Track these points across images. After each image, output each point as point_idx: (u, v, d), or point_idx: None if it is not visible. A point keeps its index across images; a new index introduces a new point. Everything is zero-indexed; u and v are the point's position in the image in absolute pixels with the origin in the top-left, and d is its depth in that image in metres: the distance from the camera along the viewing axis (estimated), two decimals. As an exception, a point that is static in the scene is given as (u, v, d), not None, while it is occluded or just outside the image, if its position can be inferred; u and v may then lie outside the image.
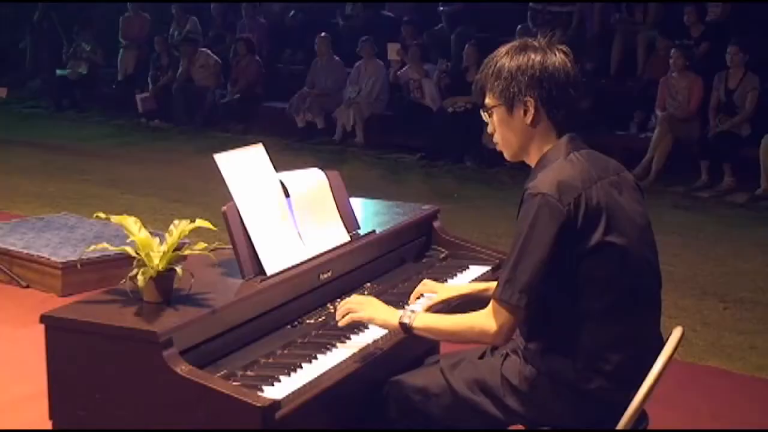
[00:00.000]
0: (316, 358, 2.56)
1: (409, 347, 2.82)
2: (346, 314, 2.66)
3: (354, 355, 2.61)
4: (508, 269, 2.40)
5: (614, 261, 2.41)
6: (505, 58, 2.52)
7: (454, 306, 2.93)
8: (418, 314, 2.61)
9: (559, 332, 2.46)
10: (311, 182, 3.02)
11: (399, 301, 3.00)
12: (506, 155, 2.63)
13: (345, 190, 3.17)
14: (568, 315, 2.44)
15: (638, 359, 2.44)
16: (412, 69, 10.45)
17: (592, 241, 2.39)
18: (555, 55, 2.50)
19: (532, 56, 2.49)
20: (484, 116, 2.61)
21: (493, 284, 2.81)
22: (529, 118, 2.50)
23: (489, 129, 2.62)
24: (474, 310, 2.58)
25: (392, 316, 2.62)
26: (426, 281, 3.03)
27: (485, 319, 2.45)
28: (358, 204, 3.45)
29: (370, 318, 2.64)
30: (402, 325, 2.58)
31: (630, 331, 2.45)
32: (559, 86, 2.48)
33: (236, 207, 2.71)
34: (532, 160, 2.57)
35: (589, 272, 2.40)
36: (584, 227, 2.38)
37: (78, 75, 13.44)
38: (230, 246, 2.72)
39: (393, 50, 11.01)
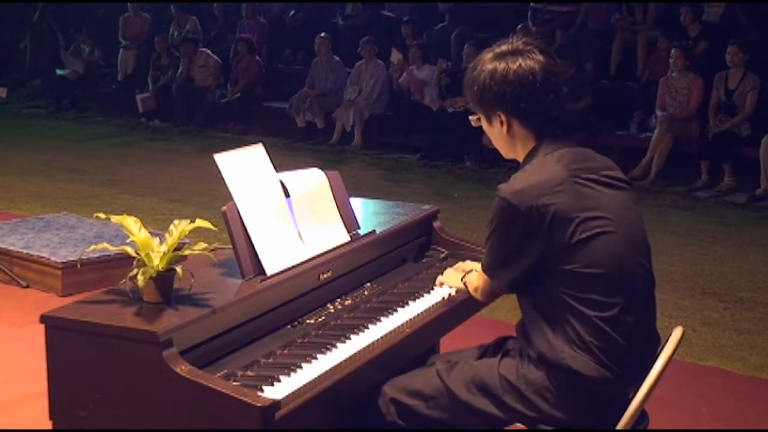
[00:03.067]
0: (316, 358, 2.56)
1: (409, 347, 2.82)
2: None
3: (354, 355, 2.61)
4: (487, 252, 2.59)
5: (601, 254, 2.41)
6: (477, 70, 2.56)
7: None
8: (472, 273, 2.82)
9: (555, 326, 2.47)
10: (311, 182, 3.02)
11: (399, 301, 3.01)
12: (502, 154, 2.70)
13: (345, 190, 3.17)
14: (563, 308, 2.44)
15: (634, 351, 2.45)
16: (410, 76, 10.47)
17: (566, 240, 2.40)
18: (523, 61, 2.48)
19: (498, 67, 2.50)
20: (473, 120, 2.67)
21: None
22: (504, 129, 2.56)
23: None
24: None
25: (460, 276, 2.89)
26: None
27: (474, 279, 2.75)
28: (358, 204, 3.45)
29: (451, 284, 2.95)
30: (464, 284, 2.83)
31: (624, 323, 2.44)
32: (526, 94, 2.48)
33: (236, 207, 2.71)
34: (520, 159, 2.62)
35: (573, 265, 2.41)
36: (553, 226, 2.40)
37: (77, 75, 13.44)
38: (230, 246, 2.72)
39: (396, 57, 10.97)
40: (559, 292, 2.44)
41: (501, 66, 2.50)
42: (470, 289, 2.76)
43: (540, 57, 2.50)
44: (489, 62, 2.53)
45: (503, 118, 2.54)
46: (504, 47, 2.55)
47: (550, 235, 2.41)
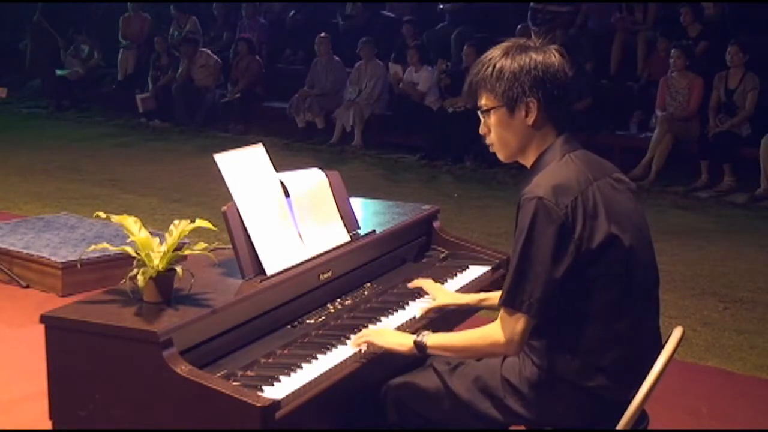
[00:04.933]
0: (316, 358, 2.56)
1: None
2: (362, 342, 2.65)
3: (354, 355, 2.61)
4: (513, 276, 2.39)
5: (617, 258, 2.41)
6: (505, 58, 2.50)
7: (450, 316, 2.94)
8: (430, 334, 2.59)
9: (561, 329, 2.46)
10: (311, 182, 3.02)
11: (399, 301, 3.01)
12: (501, 156, 2.61)
13: (345, 190, 3.17)
14: (571, 312, 2.43)
15: (637, 356, 2.45)
16: (406, 85, 10.47)
17: (595, 241, 2.38)
18: (553, 55, 2.50)
19: (534, 56, 2.48)
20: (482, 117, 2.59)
21: (491, 295, 2.82)
22: (530, 119, 2.49)
23: (482, 129, 2.60)
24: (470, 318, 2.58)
25: (406, 338, 2.61)
26: (429, 281, 3.04)
27: (495, 330, 2.44)
28: (358, 204, 3.45)
29: (386, 344, 2.62)
30: (416, 344, 2.56)
31: (629, 328, 2.44)
32: (560, 86, 2.48)
33: (236, 207, 2.71)
34: (528, 161, 2.56)
35: (594, 271, 2.39)
36: (584, 228, 2.38)
37: (77, 75, 13.44)
38: (230, 246, 2.72)
39: (395, 69, 10.94)
40: (567, 302, 2.42)
41: (539, 56, 2.47)
42: (489, 347, 2.45)
43: (561, 56, 2.51)
44: (521, 52, 2.48)
45: (534, 106, 2.47)
46: (527, 43, 2.52)
47: (582, 237, 2.36)
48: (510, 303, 2.39)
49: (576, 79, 9.24)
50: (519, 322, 2.38)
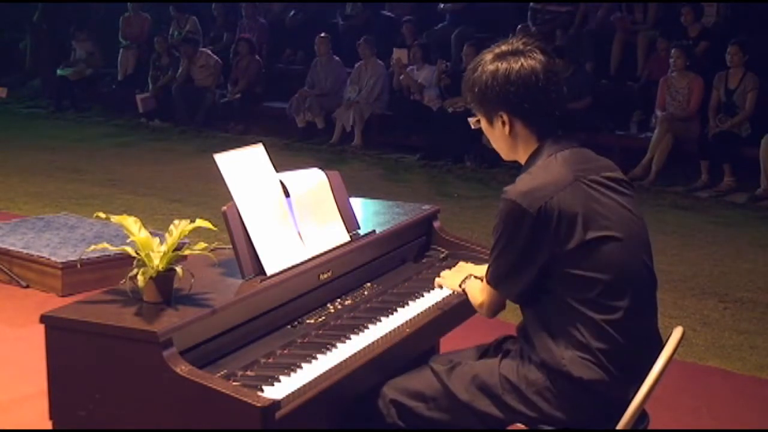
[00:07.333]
0: (316, 358, 2.56)
1: (409, 347, 2.83)
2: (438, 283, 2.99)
3: (354, 355, 2.61)
4: (492, 262, 2.54)
5: (603, 257, 2.41)
6: (478, 71, 2.54)
7: None
8: (470, 281, 2.79)
9: (556, 327, 2.47)
10: (311, 182, 3.02)
11: (399, 301, 3.01)
12: (501, 155, 2.68)
13: (345, 190, 3.17)
14: (564, 310, 2.44)
15: (635, 353, 2.45)
16: (407, 78, 10.46)
17: (573, 242, 2.40)
18: (525, 60, 2.48)
19: (500, 67, 2.49)
20: (472, 122, 2.67)
21: None
22: (506, 130, 2.55)
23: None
24: None
25: (458, 281, 2.85)
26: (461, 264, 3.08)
27: (479, 293, 2.67)
28: (358, 204, 3.45)
29: (447, 286, 2.94)
30: (461, 287, 2.82)
31: (623, 324, 2.44)
32: (529, 95, 2.48)
33: (236, 207, 2.71)
34: (521, 160, 2.61)
35: (579, 269, 2.41)
36: (560, 229, 2.40)
37: (80, 75, 13.45)
38: (230, 246, 2.72)
39: (397, 55, 10.91)
40: (564, 298, 2.43)
41: (503, 66, 2.48)
42: (473, 303, 2.71)
43: (541, 56, 2.50)
44: (490, 63, 2.52)
45: (505, 118, 2.52)
46: (504, 47, 2.53)
47: (557, 239, 2.40)
48: (489, 280, 2.59)
49: (576, 78, 9.26)
50: (493, 295, 2.61)
